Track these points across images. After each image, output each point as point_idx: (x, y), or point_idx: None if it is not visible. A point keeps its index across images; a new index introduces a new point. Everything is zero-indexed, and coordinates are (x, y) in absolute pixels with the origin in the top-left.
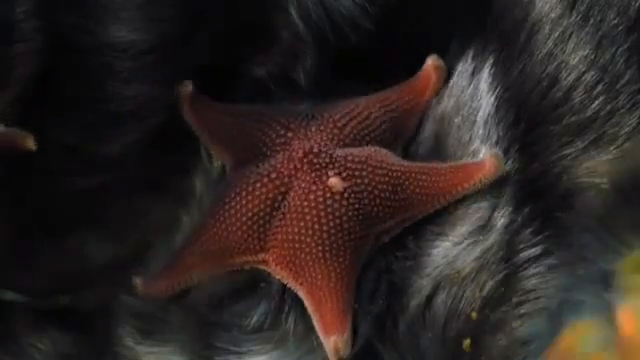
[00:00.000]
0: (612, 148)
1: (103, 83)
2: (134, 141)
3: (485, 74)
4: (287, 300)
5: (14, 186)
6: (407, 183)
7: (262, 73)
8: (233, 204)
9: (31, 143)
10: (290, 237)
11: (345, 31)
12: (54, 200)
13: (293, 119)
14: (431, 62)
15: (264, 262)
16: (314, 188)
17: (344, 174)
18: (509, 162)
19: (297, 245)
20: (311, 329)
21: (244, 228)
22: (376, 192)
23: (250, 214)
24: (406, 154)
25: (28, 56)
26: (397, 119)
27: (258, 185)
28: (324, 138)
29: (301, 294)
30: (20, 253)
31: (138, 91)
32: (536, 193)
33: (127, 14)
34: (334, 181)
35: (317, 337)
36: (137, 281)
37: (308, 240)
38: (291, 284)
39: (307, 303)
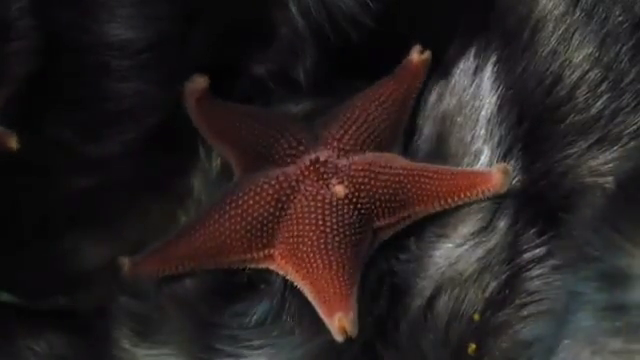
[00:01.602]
0: (616, 147)
1: (100, 82)
2: (132, 140)
3: (488, 72)
4: (288, 298)
5: (10, 185)
6: (409, 185)
7: (261, 71)
8: (240, 203)
9: (13, 142)
10: (295, 233)
11: (345, 28)
12: (51, 200)
13: (303, 132)
14: (417, 56)
15: (269, 257)
16: (322, 192)
17: (346, 182)
18: (512, 161)
19: (300, 239)
20: (313, 323)
21: (248, 227)
22: (377, 195)
23: (256, 214)
24: (407, 153)
25: (24, 54)
26: (394, 113)
27: (266, 187)
28: (329, 152)
29: (304, 287)
30: (16, 253)
31: (135, 90)
32: (539, 193)
33: (124, 12)
34: (338, 189)
35: (320, 330)
36: (124, 260)
37: (310, 234)
38: (294, 278)
39: (310, 294)
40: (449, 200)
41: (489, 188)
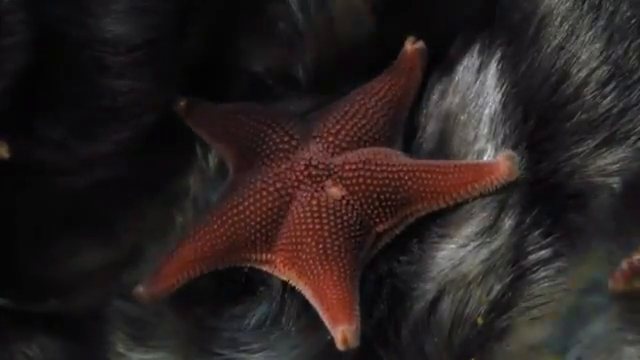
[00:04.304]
0: (625, 146)
1: (94, 79)
2: (127, 139)
3: (492, 69)
4: (288, 300)
5: (1, 186)
6: (410, 182)
7: (260, 69)
8: (241, 209)
9: (4, 152)
10: (293, 240)
11: (345, 24)
12: (43, 201)
13: (296, 126)
14: (410, 46)
15: (270, 262)
16: (317, 195)
17: (340, 184)
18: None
19: (299, 247)
20: (313, 325)
21: (252, 231)
22: (375, 195)
23: (258, 219)
24: (409, 152)
25: (16, 50)
26: (393, 109)
27: (264, 194)
28: (321, 148)
29: (306, 293)
30: (8, 255)
31: (131, 87)
32: (545, 193)
33: (119, 7)
34: (333, 191)
35: (320, 331)
36: (139, 290)
37: (309, 240)
38: (297, 284)
39: (312, 300)
40: (454, 195)
41: (497, 178)
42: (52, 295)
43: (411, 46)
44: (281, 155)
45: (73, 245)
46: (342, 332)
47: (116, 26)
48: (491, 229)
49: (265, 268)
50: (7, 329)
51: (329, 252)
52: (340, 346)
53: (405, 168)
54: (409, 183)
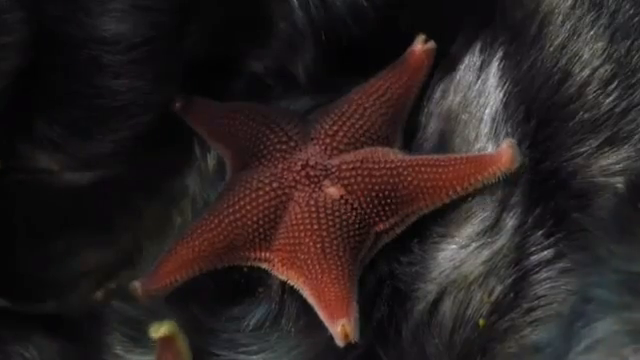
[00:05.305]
0: (628, 146)
1: (92, 78)
2: (125, 139)
3: (494, 68)
4: (287, 301)
5: (0, 186)
6: (410, 177)
7: (260, 68)
8: (238, 208)
9: None
10: (292, 241)
11: (347, 23)
12: (42, 201)
13: (295, 126)
14: (420, 45)
15: (268, 261)
16: (315, 195)
17: (339, 184)
18: None
19: (298, 247)
20: (312, 326)
21: (250, 230)
22: (374, 193)
23: (255, 219)
24: (409, 151)
25: (13, 49)
26: (392, 107)
27: (261, 193)
28: (318, 150)
29: (305, 292)
30: (6, 256)
31: (129, 86)
32: (548, 193)
33: (117, 5)
34: (331, 190)
35: (320, 331)
36: (135, 285)
37: (307, 240)
38: (295, 283)
39: (311, 299)
40: (457, 188)
41: (499, 167)
42: (50, 295)
43: (421, 46)
44: (278, 155)
45: (71, 245)
46: (342, 326)
47: (115, 24)
48: (493, 229)
49: (264, 266)
50: (4, 330)
51: (327, 252)
52: (340, 342)
53: (404, 164)
54: (409, 179)
